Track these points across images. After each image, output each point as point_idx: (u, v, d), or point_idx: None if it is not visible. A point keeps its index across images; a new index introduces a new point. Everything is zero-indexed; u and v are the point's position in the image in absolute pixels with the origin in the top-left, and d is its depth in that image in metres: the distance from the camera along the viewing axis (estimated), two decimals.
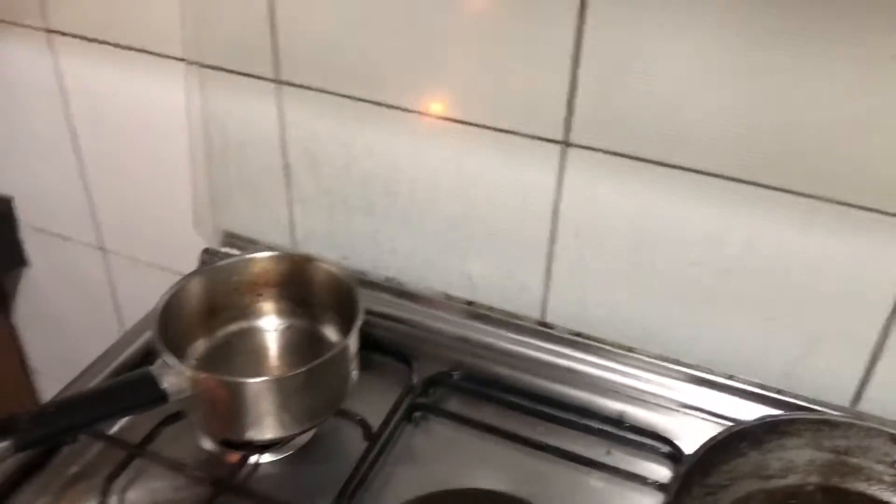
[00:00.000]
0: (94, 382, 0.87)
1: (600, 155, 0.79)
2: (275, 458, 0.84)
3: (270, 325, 0.90)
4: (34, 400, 1.47)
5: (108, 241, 1.17)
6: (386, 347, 0.93)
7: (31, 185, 1.19)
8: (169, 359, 0.73)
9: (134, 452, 0.80)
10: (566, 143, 0.80)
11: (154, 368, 0.74)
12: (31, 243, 1.26)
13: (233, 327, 0.88)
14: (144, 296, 1.05)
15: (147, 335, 0.93)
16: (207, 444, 0.84)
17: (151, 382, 0.73)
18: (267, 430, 0.77)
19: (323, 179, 0.93)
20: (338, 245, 0.96)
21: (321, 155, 0.91)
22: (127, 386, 0.74)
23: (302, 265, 0.87)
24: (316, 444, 0.86)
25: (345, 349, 0.79)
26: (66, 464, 0.82)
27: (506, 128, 0.81)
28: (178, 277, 0.84)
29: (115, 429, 0.84)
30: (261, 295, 0.89)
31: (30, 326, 1.39)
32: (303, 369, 0.76)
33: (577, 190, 0.82)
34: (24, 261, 1.27)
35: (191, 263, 1.03)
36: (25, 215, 1.23)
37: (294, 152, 0.93)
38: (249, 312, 0.89)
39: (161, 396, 0.73)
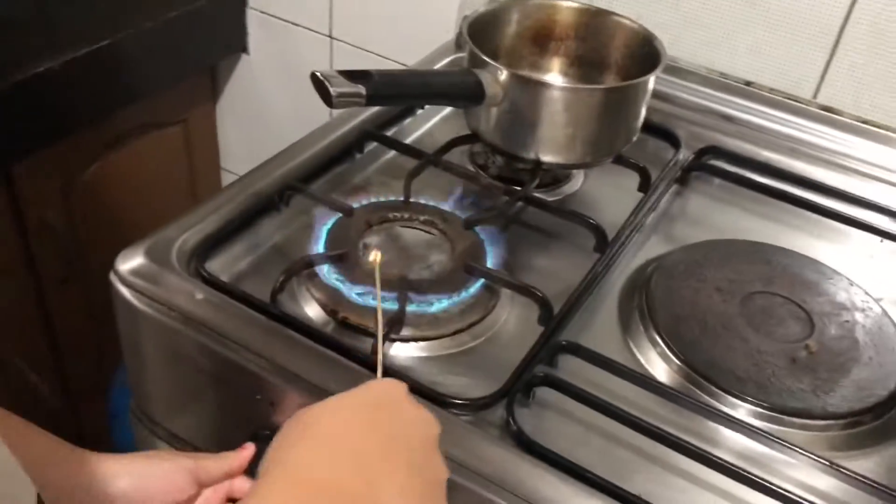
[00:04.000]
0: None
1: None
2: (547, 198, 0.86)
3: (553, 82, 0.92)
4: None
5: (337, 28, 1.18)
6: (656, 127, 0.93)
7: None
8: (489, 61, 0.77)
9: (429, 159, 0.85)
10: None
11: (477, 70, 0.78)
12: (256, 29, 1.27)
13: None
14: None
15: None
16: (484, 180, 0.88)
17: (476, 82, 0.77)
18: (554, 150, 0.81)
19: None
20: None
21: None
22: (455, 77, 0.79)
23: (598, 19, 0.89)
24: (587, 194, 0.89)
25: (644, 84, 0.80)
26: (364, 165, 0.89)
27: None
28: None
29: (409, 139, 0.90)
30: (546, 48, 0.91)
31: (230, 118, 1.39)
32: (604, 86, 0.78)
33: None
34: (244, 48, 1.29)
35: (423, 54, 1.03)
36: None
37: None
38: (532, 64, 0.92)
39: (480, 95, 0.77)
